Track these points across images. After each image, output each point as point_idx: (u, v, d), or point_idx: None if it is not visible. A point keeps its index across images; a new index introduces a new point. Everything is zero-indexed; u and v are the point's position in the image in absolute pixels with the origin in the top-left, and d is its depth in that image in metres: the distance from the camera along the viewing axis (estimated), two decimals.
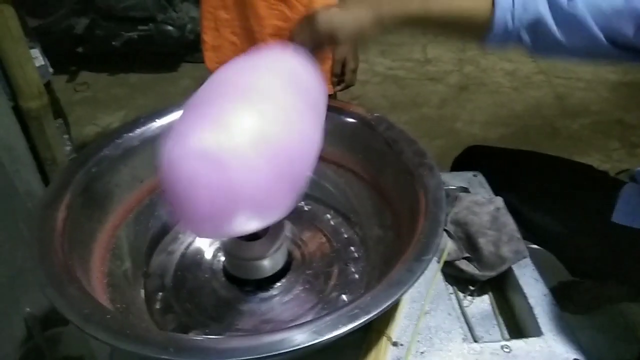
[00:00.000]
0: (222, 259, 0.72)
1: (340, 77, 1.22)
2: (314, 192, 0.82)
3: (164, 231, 0.78)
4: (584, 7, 0.64)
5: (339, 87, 1.23)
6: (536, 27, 0.67)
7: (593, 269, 0.92)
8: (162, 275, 0.72)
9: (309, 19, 0.67)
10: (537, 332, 0.63)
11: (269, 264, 0.66)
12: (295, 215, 0.81)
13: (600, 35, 0.64)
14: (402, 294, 0.50)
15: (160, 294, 0.70)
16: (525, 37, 0.69)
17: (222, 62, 1.16)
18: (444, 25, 0.71)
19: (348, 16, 0.66)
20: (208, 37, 1.17)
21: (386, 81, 2.68)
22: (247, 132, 0.50)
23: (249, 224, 0.51)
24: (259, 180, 0.50)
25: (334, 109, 0.80)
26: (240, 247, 0.64)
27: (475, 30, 0.70)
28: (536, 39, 0.68)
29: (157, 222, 0.76)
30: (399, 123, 0.75)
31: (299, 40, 0.67)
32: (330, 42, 0.68)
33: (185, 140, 0.50)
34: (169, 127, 0.73)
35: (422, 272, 0.52)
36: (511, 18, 0.67)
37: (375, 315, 0.47)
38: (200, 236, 0.73)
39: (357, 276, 0.71)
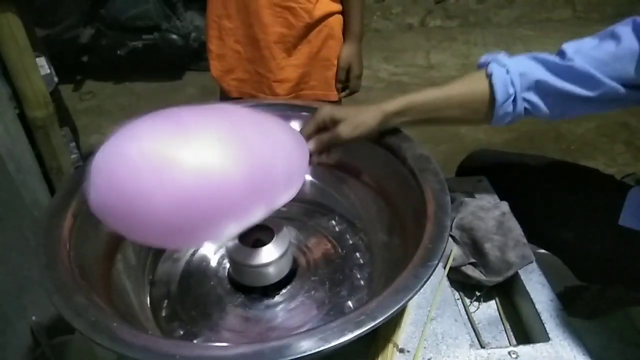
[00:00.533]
0: (227, 266, 0.72)
1: (344, 84, 1.22)
2: (319, 198, 0.82)
3: None
4: (581, 61, 0.67)
5: (343, 94, 1.24)
6: (539, 85, 0.70)
7: (600, 273, 0.91)
8: (168, 282, 0.72)
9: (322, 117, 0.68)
10: (544, 338, 0.63)
11: (274, 271, 0.66)
12: (300, 222, 0.81)
13: (607, 81, 0.65)
14: (408, 300, 0.49)
15: (166, 301, 0.70)
16: (533, 98, 0.71)
17: (226, 71, 1.19)
18: (446, 109, 0.73)
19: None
20: (213, 46, 1.18)
21: (390, 87, 2.69)
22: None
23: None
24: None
25: None
26: (246, 254, 0.64)
27: (479, 108, 0.73)
28: (545, 96, 0.71)
29: None
30: (402, 128, 0.75)
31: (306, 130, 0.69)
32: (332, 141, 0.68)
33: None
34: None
35: (428, 278, 0.51)
36: (511, 84, 0.70)
37: (381, 321, 0.47)
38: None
39: (362, 282, 0.71)
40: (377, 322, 0.46)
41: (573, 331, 0.64)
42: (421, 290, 0.51)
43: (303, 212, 0.83)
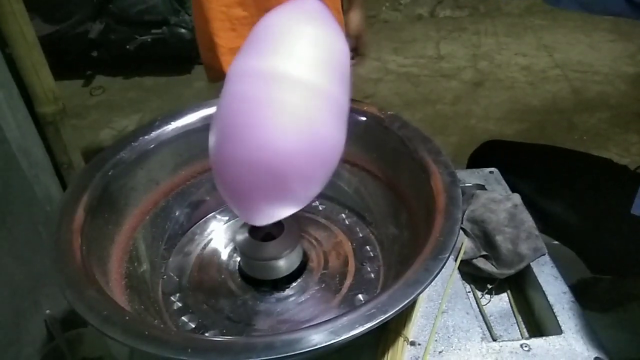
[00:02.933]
0: (238, 259, 0.72)
1: (355, 53, 1.15)
2: (328, 192, 0.82)
3: (181, 232, 0.78)
4: None
5: (354, 61, 1.15)
6: None
7: (613, 264, 0.90)
8: (180, 276, 0.73)
9: None
10: (557, 331, 0.62)
11: (284, 264, 0.66)
12: (310, 215, 0.81)
13: None
14: (419, 294, 0.49)
15: (178, 294, 0.70)
16: None
17: None
18: None
19: None
20: (223, 40, 1.06)
21: (399, 79, 2.67)
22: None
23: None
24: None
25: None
26: (256, 247, 0.64)
27: None
28: None
29: (174, 223, 0.77)
30: (412, 120, 0.74)
31: None
32: None
33: None
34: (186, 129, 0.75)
35: (439, 271, 0.51)
36: None
37: (392, 314, 0.46)
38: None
39: (373, 275, 0.71)
40: (387, 315, 0.46)
41: (586, 324, 0.63)
42: (432, 283, 0.51)
43: (313, 205, 0.83)
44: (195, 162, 0.77)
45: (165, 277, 0.73)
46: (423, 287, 0.49)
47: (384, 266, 0.72)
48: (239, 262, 0.72)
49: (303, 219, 0.79)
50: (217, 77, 1.12)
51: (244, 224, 0.66)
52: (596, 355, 0.60)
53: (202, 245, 0.77)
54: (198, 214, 0.81)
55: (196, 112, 0.77)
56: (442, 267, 0.51)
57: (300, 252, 0.69)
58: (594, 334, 0.62)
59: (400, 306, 0.47)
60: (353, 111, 0.78)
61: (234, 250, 0.75)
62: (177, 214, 0.77)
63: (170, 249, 0.76)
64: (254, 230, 0.65)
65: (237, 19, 1.05)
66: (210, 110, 0.75)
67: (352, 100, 0.86)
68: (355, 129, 0.76)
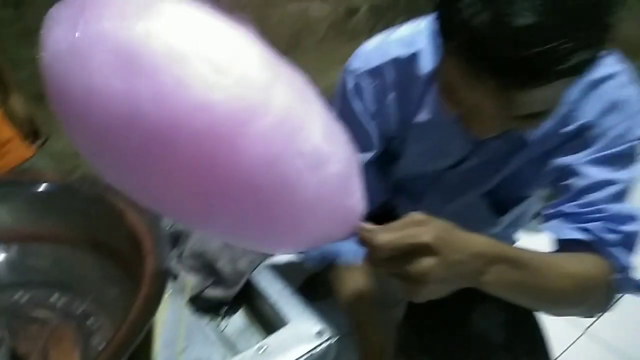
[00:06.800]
0: None
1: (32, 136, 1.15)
2: (29, 278, 0.73)
3: None
4: None
5: (39, 142, 1.15)
6: None
7: None
8: None
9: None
10: (284, 322, 0.70)
11: None
12: (10, 315, 0.70)
13: None
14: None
15: None
16: None
17: None
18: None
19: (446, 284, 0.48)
20: None
21: None
22: None
23: None
24: None
25: (28, 181, 0.74)
26: None
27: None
28: None
29: None
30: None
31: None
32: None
33: None
34: None
35: (146, 329, 0.51)
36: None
37: None
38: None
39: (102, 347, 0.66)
40: None
41: (305, 309, 0.72)
42: (168, 328, 0.51)
43: (12, 300, 0.72)
44: None
45: None
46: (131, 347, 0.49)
47: (113, 330, 0.68)
48: None
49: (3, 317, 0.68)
50: None
51: None
52: (319, 328, 0.69)
53: None
54: None
55: None
56: (155, 310, 0.52)
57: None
58: (314, 317, 0.71)
59: None
60: (35, 183, 0.73)
61: None
62: None
63: None
64: None
65: None
66: None
67: (32, 172, 0.80)
68: (43, 201, 0.71)
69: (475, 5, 0.46)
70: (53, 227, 0.73)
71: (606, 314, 0.68)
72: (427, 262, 0.44)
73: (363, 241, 0.46)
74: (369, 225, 0.46)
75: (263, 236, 0.43)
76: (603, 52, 0.49)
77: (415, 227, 0.46)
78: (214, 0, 0.38)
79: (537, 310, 0.75)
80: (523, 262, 0.53)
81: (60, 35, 0.36)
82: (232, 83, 0.35)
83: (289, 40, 3.57)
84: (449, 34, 0.52)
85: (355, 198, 0.44)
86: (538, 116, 0.54)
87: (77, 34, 0.35)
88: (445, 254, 0.45)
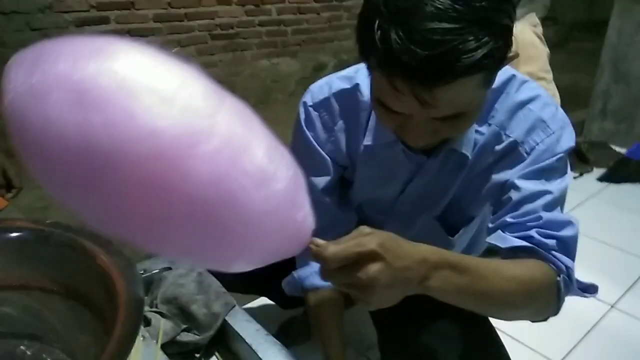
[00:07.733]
0: None
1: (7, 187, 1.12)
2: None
3: None
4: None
5: (11, 194, 1.13)
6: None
7: None
8: None
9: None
10: None
11: None
12: None
13: None
14: None
15: None
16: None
17: None
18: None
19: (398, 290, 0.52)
20: None
21: None
22: None
23: None
24: None
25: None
26: None
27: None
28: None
29: None
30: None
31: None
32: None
33: None
34: None
35: (126, 356, 0.51)
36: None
37: None
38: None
39: None
40: None
41: (279, 348, 0.72)
42: None
43: None
44: None
45: None
46: None
47: None
48: None
49: None
50: None
51: None
52: None
53: None
54: None
55: None
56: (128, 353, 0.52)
57: None
58: (286, 352, 0.71)
59: None
60: (6, 231, 0.72)
61: None
62: None
63: None
64: None
65: None
66: None
67: (2, 221, 0.80)
68: (15, 248, 0.71)
69: (386, 23, 0.54)
70: (23, 274, 0.72)
71: None
72: (374, 268, 0.49)
73: (315, 255, 0.49)
74: (320, 241, 0.50)
75: (218, 252, 0.45)
76: (506, 51, 0.58)
77: (362, 237, 0.50)
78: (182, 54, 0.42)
79: (486, 315, 0.79)
80: (467, 266, 0.57)
81: (19, 79, 0.39)
82: (177, 112, 0.38)
83: (260, 94, 3.68)
84: (368, 52, 0.59)
85: (303, 212, 0.47)
86: (459, 117, 0.61)
87: (35, 77, 0.38)
88: (390, 259, 0.49)
